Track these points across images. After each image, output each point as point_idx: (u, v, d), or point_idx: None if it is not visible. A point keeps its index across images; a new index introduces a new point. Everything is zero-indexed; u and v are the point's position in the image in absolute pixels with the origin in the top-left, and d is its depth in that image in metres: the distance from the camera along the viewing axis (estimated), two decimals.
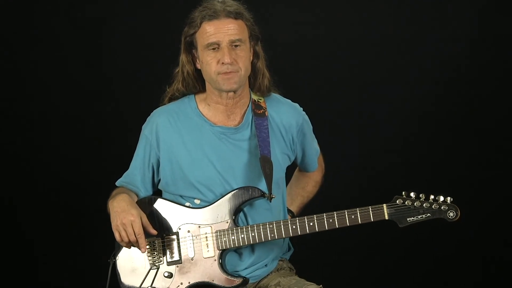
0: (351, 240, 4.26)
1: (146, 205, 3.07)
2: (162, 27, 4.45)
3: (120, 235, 2.94)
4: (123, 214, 2.94)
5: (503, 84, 4.43)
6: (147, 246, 3.02)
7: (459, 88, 4.46)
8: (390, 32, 4.46)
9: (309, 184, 3.43)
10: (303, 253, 3.37)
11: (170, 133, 3.10)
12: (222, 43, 2.96)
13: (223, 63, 2.96)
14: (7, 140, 4.61)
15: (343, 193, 4.31)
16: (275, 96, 3.21)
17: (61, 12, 4.51)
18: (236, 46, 2.98)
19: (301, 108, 3.24)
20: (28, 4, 4.50)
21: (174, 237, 3.03)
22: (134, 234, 2.93)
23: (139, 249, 2.96)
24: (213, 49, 2.98)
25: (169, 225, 3.05)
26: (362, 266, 4.61)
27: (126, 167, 3.22)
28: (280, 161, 3.14)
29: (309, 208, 3.40)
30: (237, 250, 3.08)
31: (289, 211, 3.34)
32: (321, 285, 3.04)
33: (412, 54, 4.47)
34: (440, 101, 4.49)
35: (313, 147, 3.32)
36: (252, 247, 3.08)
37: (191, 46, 3.06)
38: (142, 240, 2.94)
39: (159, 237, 3.04)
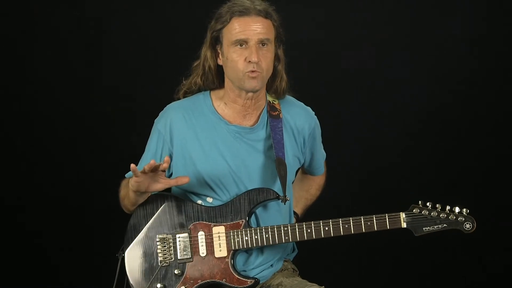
0: (355, 242, 4.26)
1: (158, 201, 3.03)
2: (164, 26, 4.44)
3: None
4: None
5: (507, 86, 4.49)
6: (158, 244, 2.99)
7: (462, 89, 4.51)
8: (391, 32, 4.49)
9: (313, 187, 3.46)
10: (307, 255, 3.38)
11: (184, 129, 3.07)
12: (250, 41, 2.95)
13: (250, 61, 2.94)
14: (9, 139, 4.57)
15: (344, 194, 4.35)
16: (289, 98, 3.22)
17: (62, 11, 4.46)
18: (263, 45, 2.97)
19: (314, 112, 3.25)
20: (30, 4, 4.46)
21: (186, 234, 3.00)
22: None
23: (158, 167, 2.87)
24: (240, 45, 2.96)
25: (182, 222, 3.02)
26: (365, 268, 4.65)
27: (129, 166, 3.18)
28: (291, 164, 3.14)
29: (311, 208, 3.45)
30: (247, 251, 3.07)
31: (294, 212, 3.35)
32: (323, 286, 3.05)
33: (415, 54, 4.50)
34: (442, 102, 4.53)
35: (321, 152, 3.35)
36: (261, 248, 3.07)
37: (216, 41, 3.04)
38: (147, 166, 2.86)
39: (171, 234, 3.00)
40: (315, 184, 3.45)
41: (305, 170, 3.41)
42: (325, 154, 3.38)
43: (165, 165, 2.87)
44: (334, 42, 4.52)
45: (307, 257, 3.37)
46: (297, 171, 3.35)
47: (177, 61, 3.18)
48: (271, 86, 3.14)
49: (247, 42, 2.95)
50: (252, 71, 2.95)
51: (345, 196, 4.37)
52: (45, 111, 4.55)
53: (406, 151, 4.58)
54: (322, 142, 3.35)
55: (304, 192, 3.44)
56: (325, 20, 4.52)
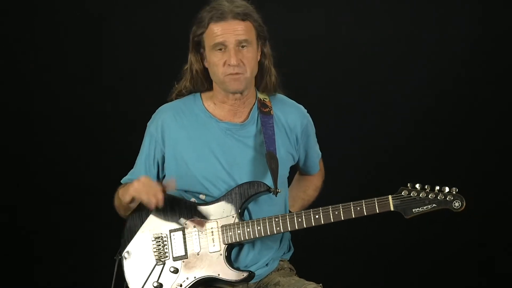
0: (352, 240, 4.26)
1: None
2: (164, 25, 4.50)
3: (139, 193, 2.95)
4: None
5: (505, 83, 4.45)
6: (153, 243, 3.04)
7: (461, 87, 4.48)
8: (390, 31, 4.50)
9: (310, 187, 3.44)
10: (303, 253, 3.37)
11: (175, 129, 3.12)
12: (229, 44, 2.97)
13: (229, 64, 2.97)
14: (9, 140, 4.65)
15: (343, 193, 4.28)
16: (281, 96, 3.24)
17: (61, 11, 4.55)
18: (243, 47, 2.98)
19: (306, 110, 3.26)
20: (29, 4, 4.55)
21: (180, 232, 3.04)
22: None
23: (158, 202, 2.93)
24: (220, 49, 2.98)
25: (176, 220, 3.05)
26: (362, 267, 4.61)
27: (128, 167, 3.23)
28: (284, 159, 3.15)
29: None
30: (239, 247, 3.09)
31: (290, 212, 3.31)
32: (320, 284, 3.05)
33: (414, 53, 4.49)
34: (442, 101, 4.51)
35: (315, 150, 3.34)
36: (252, 244, 3.09)
37: (199, 46, 3.07)
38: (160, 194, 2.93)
39: (165, 232, 3.04)
40: (312, 185, 3.44)
41: (301, 170, 3.40)
42: (320, 153, 3.38)
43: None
44: (334, 41, 4.53)
45: (304, 256, 3.36)
46: (296, 171, 3.36)
47: (176, 62, 3.20)
48: (260, 82, 3.16)
49: (225, 45, 2.97)
50: (232, 74, 2.98)
51: (344, 196, 4.35)
52: (44, 111, 4.64)
53: (404, 150, 4.56)
54: (319, 141, 3.35)
55: (301, 193, 3.43)
56: (325, 20, 4.54)
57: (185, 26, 3.17)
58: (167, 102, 3.23)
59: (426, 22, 4.48)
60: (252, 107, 3.15)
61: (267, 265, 3.14)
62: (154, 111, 3.22)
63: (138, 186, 2.95)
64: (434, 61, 4.48)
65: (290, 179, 3.35)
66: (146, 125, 3.22)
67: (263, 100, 3.16)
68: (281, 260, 3.24)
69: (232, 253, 3.06)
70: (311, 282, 3.07)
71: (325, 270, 3.77)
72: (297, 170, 3.42)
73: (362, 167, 4.57)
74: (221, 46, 2.98)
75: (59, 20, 4.57)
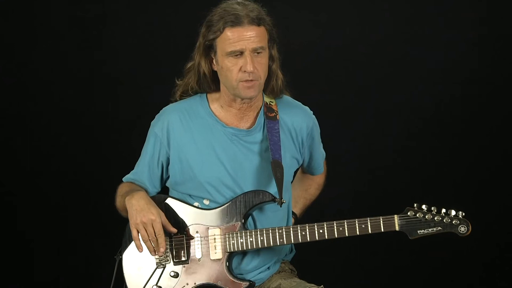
0: (354, 243, 4.23)
1: (155, 203, 3.03)
2: (164, 25, 4.51)
3: (139, 234, 2.93)
4: (143, 212, 2.92)
5: (507, 86, 4.48)
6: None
7: (463, 89, 4.50)
8: (393, 31, 4.51)
9: (312, 186, 3.44)
10: (305, 255, 3.37)
11: (181, 131, 3.09)
12: (245, 51, 2.94)
13: (245, 71, 2.95)
14: (8, 139, 4.64)
15: (345, 195, 4.37)
16: (287, 98, 3.21)
17: (61, 11, 4.54)
18: (258, 53, 2.96)
19: (311, 112, 3.24)
20: (29, 3, 4.54)
21: (182, 237, 3.02)
22: (154, 233, 2.92)
23: (157, 249, 2.93)
24: (235, 55, 2.95)
25: (178, 225, 3.03)
26: (363, 268, 4.63)
27: (128, 166, 3.21)
28: (289, 165, 3.14)
29: (313, 210, 3.45)
30: (243, 253, 3.08)
31: (292, 213, 3.33)
32: (322, 286, 3.04)
33: (417, 55, 4.50)
34: (441, 102, 4.53)
35: (320, 151, 3.33)
36: (257, 250, 3.07)
37: (210, 49, 3.03)
38: (162, 239, 2.93)
39: (168, 236, 3.01)
40: (315, 184, 3.44)
41: (305, 170, 3.39)
42: (324, 153, 3.36)
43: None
44: (337, 41, 4.53)
45: (305, 257, 3.37)
46: (296, 172, 3.34)
47: (178, 61, 3.18)
48: (267, 86, 3.12)
49: (242, 52, 2.94)
50: (247, 81, 2.95)
51: (347, 197, 4.37)
52: (44, 112, 4.62)
53: (406, 151, 4.57)
54: (322, 142, 3.33)
55: (303, 192, 3.43)
56: (325, 20, 4.54)
57: (185, 25, 3.18)
58: (171, 101, 3.21)
59: (426, 22, 4.49)
60: (259, 112, 3.12)
61: (268, 268, 3.14)
62: (154, 111, 3.20)
63: (136, 220, 2.93)
64: (434, 62, 4.49)
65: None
66: (146, 125, 3.19)
67: (269, 104, 3.14)
68: (282, 262, 3.24)
69: (237, 258, 3.06)
70: (312, 284, 3.07)
71: (326, 271, 3.78)
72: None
73: (362, 168, 4.59)
74: (237, 53, 2.94)
75: (59, 20, 4.56)
